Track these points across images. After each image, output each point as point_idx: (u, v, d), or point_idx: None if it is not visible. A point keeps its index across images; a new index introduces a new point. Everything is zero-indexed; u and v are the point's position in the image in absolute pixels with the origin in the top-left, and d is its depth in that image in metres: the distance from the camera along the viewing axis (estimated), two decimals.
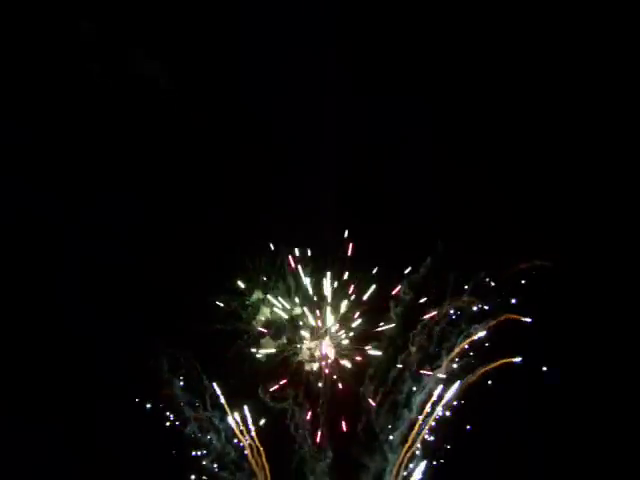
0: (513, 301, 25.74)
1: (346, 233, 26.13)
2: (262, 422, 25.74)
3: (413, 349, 26.51)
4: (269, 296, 26.16)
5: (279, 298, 26.41)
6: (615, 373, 25.03)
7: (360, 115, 25.69)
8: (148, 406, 25.14)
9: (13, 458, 23.90)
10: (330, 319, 26.54)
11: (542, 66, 25.56)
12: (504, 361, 25.49)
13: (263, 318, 25.88)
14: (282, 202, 25.93)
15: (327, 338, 26.36)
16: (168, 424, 25.23)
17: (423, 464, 25.80)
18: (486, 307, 26.13)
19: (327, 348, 26.12)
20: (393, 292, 26.40)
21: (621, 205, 25.72)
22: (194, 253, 25.55)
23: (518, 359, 25.40)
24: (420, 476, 25.91)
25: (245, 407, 25.60)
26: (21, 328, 25.11)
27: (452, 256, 25.70)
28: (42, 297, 25.39)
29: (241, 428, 25.56)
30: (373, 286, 26.40)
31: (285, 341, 25.83)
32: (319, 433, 25.94)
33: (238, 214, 25.59)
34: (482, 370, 25.71)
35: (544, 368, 25.06)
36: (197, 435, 25.56)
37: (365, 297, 26.59)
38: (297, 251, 26.32)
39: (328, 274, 26.18)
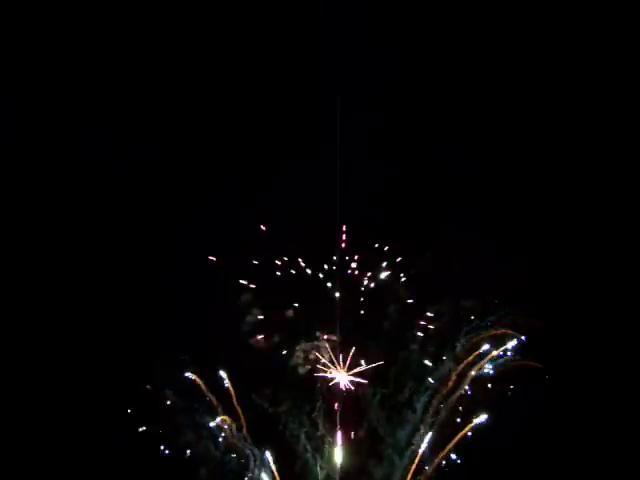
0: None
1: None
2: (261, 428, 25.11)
3: (415, 347, 25.77)
4: None
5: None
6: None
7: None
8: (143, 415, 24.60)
9: (11, 464, 23.76)
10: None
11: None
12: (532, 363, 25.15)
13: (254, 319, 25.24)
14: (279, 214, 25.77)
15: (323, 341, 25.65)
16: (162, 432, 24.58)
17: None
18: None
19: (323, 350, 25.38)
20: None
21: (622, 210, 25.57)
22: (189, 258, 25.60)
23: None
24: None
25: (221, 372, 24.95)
26: (20, 332, 24.92)
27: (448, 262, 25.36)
28: (42, 298, 25.25)
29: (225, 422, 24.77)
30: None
31: (277, 340, 25.14)
32: (319, 438, 25.18)
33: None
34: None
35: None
36: (193, 444, 24.81)
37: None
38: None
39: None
